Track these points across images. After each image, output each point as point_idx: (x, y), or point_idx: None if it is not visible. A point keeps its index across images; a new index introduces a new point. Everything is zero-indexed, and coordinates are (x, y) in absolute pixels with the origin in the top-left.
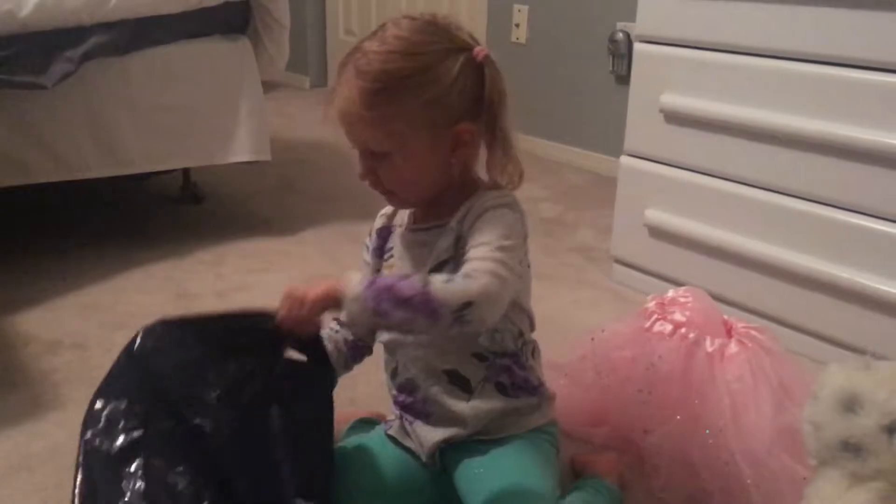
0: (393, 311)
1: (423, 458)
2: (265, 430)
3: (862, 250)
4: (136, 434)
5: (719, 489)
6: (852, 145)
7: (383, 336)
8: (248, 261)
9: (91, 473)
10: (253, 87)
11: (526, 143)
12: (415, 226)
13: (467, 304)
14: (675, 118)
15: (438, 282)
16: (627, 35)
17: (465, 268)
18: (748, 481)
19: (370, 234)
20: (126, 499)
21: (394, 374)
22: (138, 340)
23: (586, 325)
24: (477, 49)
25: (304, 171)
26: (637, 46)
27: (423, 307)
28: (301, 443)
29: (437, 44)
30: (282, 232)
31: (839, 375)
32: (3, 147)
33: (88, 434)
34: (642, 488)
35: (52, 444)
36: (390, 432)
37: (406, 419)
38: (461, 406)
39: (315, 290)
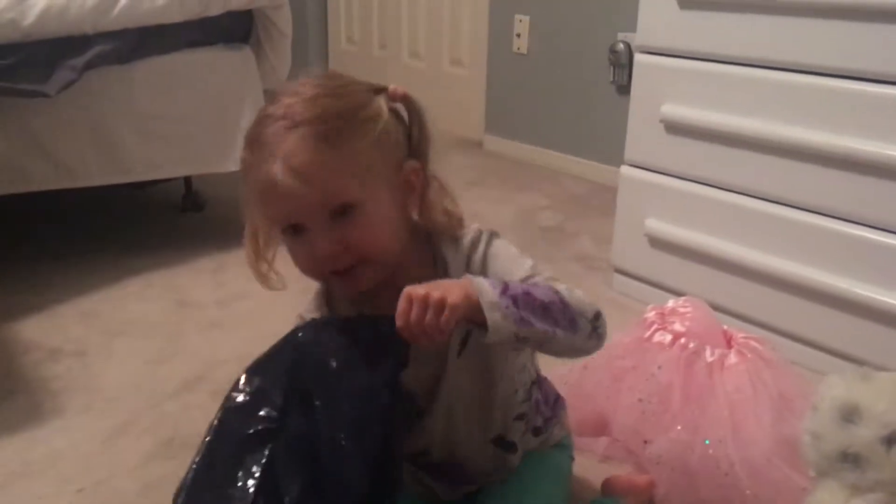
0: (536, 320)
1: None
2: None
3: (862, 261)
4: (269, 425)
5: (719, 499)
6: (853, 156)
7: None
8: (248, 269)
9: (217, 446)
10: (255, 96)
11: (527, 152)
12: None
13: (598, 315)
14: (676, 128)
15: (563, 289)
16: (628, 45)
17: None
18: (747, 492)
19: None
20: (238, 484)
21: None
22: (302, 332)
23: None
24: (392, 87)
25: None
26: (638, 57)
27: (562, 316)
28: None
29: (353, 84)
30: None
31: (839, 386)
32: (5, 154)
33: (231, 403)
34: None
35: (51, 452)
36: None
37: (422, 475)
38: (508, 460)
39: (453, 292)
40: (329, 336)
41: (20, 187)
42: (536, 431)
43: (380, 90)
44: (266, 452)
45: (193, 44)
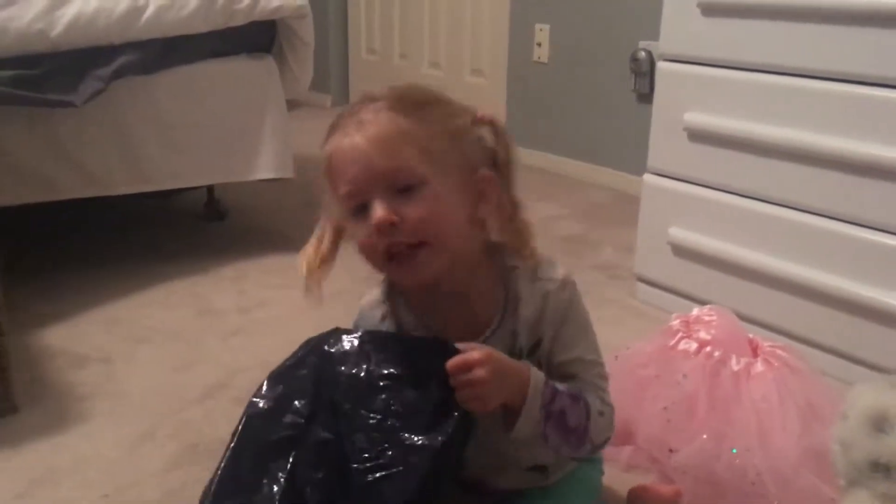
0: (555, 435)
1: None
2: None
3: (889, 269)
4: (294, 432)
5: None
6: (880, 164)
7: None
8: (270, 277)
9: (242, 452)
10: (277, 106)
11: (548, 162)
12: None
13: (606, 440)
14: (699, 136)
15: (595, 414)
16: (650, 54)
17: (597, 393)
18: (775, 502)
19: (380, 317)
20: (263, 491)
21: None
22: (329, 340)
23: (610, 344)
24: (480, 113)
25: None
26: (660, 65)
27: (576, 440)
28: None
29: (442, 95)
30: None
31: (868, 395)
32: (32, 163)
33: (254, 409)
34: None
35: (76, 458)
36: None
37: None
38: (539, 480)
39: (502, 392)
40: (368, 348)
41: (47, 196)
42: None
43: (467, 109)
44: (290, 459)
45: (217, 53)
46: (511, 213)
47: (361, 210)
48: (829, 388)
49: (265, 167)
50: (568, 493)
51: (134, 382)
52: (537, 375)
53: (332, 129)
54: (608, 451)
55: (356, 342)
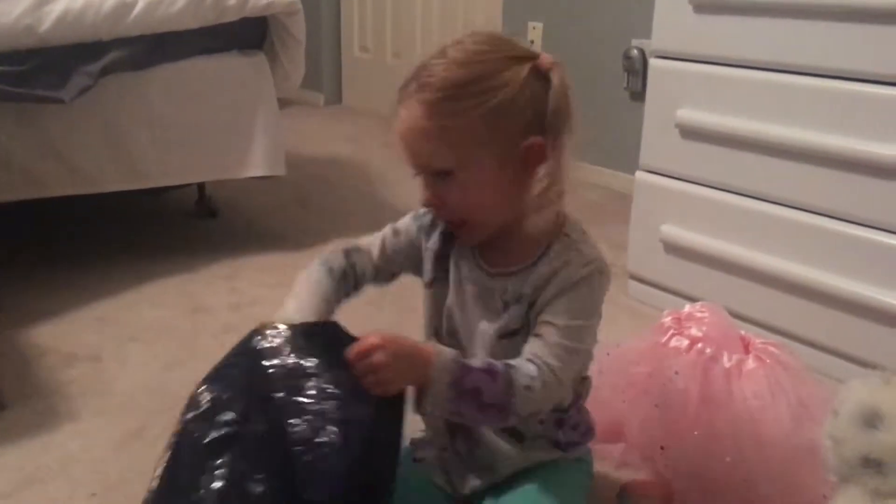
0: (471, 412)
1: (456, 495)
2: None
3: (881, 266)
4: (231, 430)
5: None
6: (870, 160)
7: None
8: (262, 275)
9: (179, 456)
10: (269, 103)
11: None
12: (485, 265)
13: (535, 413)
14: (692, 133)
15: (521, 388)
16: (642, 52)
17: (534, 353)
18: (767, 499)
19: (430, 225)
20: (201, 493)
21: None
22: (255, 338)
23: (602, 341)
24: (543, 56)
25: (319, 187)
26: (653, 62)
27: (497, 415)
28: (375, 468)
29: (498, 52)
30: (296, 246)
31: (860, 390)
32: (21, 160)
33: (188, 416)
34: None
35: (65, 456)
36: (421, 466)
37: (448, 451)
38: (509, 449)
39: (405, 376)
40: (291, 340)
41: (36, 193)
42: (556, 444)
43: (529, 58)
44: (229, 456)
45: (208, 50)
46: (548, 170)
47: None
48: (820, 384)
49: (257, 164)
50: (553, 486)
51: (124, 381)
52: (444, 353)
53: (398, 93)
54: (599, 449)
55: (278, 337)
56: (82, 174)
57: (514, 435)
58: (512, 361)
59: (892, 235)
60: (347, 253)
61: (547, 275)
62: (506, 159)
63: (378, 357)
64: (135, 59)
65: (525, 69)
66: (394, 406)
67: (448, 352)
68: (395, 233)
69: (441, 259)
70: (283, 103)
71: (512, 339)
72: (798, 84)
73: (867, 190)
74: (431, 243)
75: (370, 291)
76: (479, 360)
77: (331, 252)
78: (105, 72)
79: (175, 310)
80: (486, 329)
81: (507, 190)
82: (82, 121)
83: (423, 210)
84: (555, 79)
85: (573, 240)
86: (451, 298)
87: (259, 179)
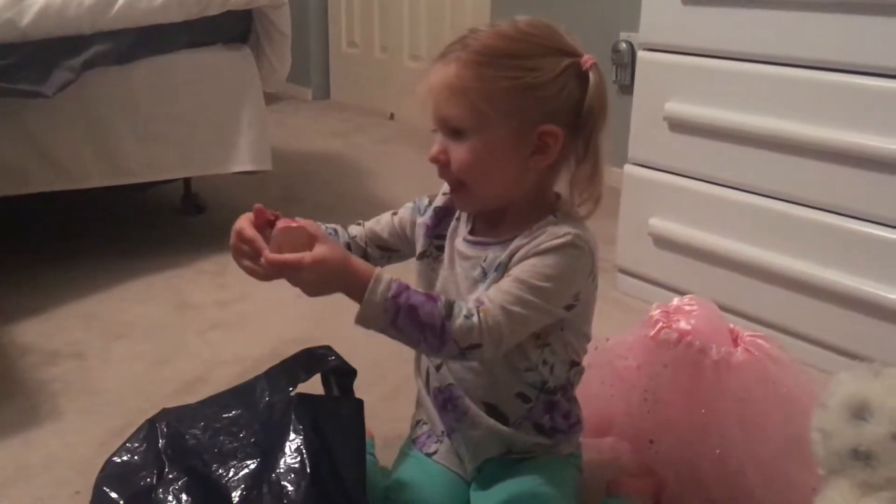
0: (407, 328)
1: (467, 475)
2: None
3: (869, 258)
4: (149, 481)
5: (727, 499)
6: (859, 152)
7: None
8: None
9: None
10: (254, 97)
11: None
12: (470, 237)
13: (475, 346)
14: (680, 126)
15: (460, 317)
16: (630, 45)
17: (485, 295)
18: (756, 491)
19: (427, 203)
20: None
21: (427, 379)
22: (160, 424)
23: (591, 335)
24: (586, 56)
25: (306, 182)
26: (641, 55)
27: (434, 336)
28: (339, 481)
29: (546, 39)
30: None
31: (849, 383)
32: (3, 156)
33: (102, 488)
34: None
35: (49, 455)
36: (436, 457)
37: (449, 429)
38: (495, 426)
39: (326, 285)
40: (203, 410)
41: (18, 189)
42: (539, 428)
43: (572, 54)
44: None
45: (192, 44)
46: (591, 167)
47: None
48: (809, 377)
49: (243, 159)
50: (544, 481)
51: (109, 378)
52: (384, 273)
53: (452, 43)
54: (588, 442)
55: (189, 411)
56: (65, 170)
57: (499, 417)
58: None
59: (880, 227)
60: (346, 227)
61: (524, 244)
62: (519, 138)
63: (303, 275)
64: (118, 53)
65: (564, 62)
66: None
67: (388, 276)
68: (394, 214)
69: (435, 236)
70: (271, 98)
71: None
72: (787, 76)
73: (856, 182)
74: (425, 218)
75: None
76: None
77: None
78: (88, 66)
79: (161, 306)
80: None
81: (511, 167)
82: (65, 115)
83: (418, 198)
84: (593, 79)
85: (558, 220)
86: (444, 273)
87: (245, 175)
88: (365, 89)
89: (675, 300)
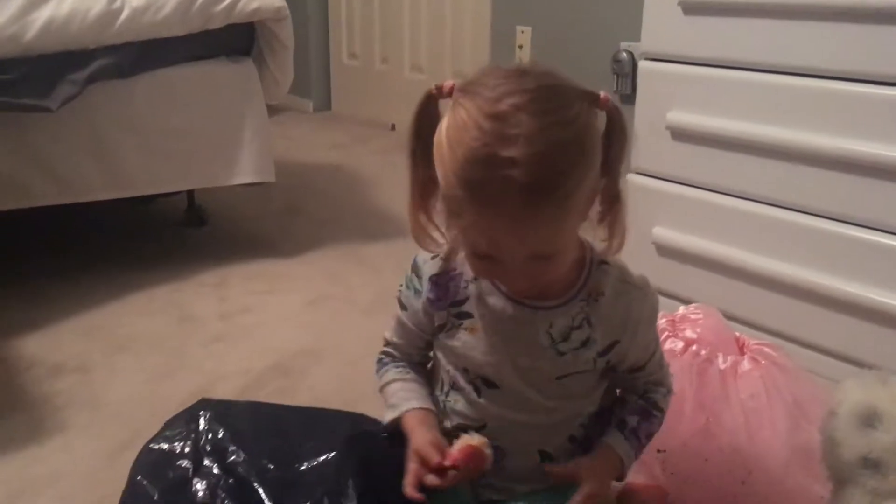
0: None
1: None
2: None
3: (874, 266)
4: (186, 466)
5: None
6: (862, 160)
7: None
8: (252, 283)
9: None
10: (257, 109)
11: None
12: (522, 301)
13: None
14: (683, 135)
15: (663, 408)
16: (631, 54)
17: (661, 379)
18: (764, 501)
19: (418, 278)
20: None
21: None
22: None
23: None
24: (603, 95)
25: (308, 194)
26: (642, 64)
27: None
28: None
29: (571, 93)
30: (286, 254)
31: (857, 390)
32: (6, 170)
33: (137, 477)
34: None
35: (53, 469)
36: None
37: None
38: (536, 466)
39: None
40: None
41: (22, 203)
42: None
43: (591, 97)
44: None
45: (195, 57)
46: (607, 208)
47: (485, 254)
48: (816, 385)
49: (246, 171)
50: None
51: (113, 392)
52: (624, 449)
53: (475, 188)
54: None
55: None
56: (69, 183)
57: (544, 456)
58: (649, 394)
59: (886, 235)
60: (393, 357)
61: (615, 322)
62: (584, 212)
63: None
64: (121, 67)
65: (594, 114)
66: None
67: (624, 443)
68: (402, 307)
69: (451, 304)
70: (273, 110)
71: (571, 377)
72: (789, 84)
73: (861, 190)
74: (427, 293)
75: (364, 301)
76: (631, 416)
77: (385, 364)
78: (91, 80)
79: (164, 319)
80: (529, 365)
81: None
82: (68, 129)
83: (408, 276)
84: (616, 118)
85: (610, 266)
86: (481, 339)
87: (248, 187)
88: (366, 101)
89: (681, 309)
